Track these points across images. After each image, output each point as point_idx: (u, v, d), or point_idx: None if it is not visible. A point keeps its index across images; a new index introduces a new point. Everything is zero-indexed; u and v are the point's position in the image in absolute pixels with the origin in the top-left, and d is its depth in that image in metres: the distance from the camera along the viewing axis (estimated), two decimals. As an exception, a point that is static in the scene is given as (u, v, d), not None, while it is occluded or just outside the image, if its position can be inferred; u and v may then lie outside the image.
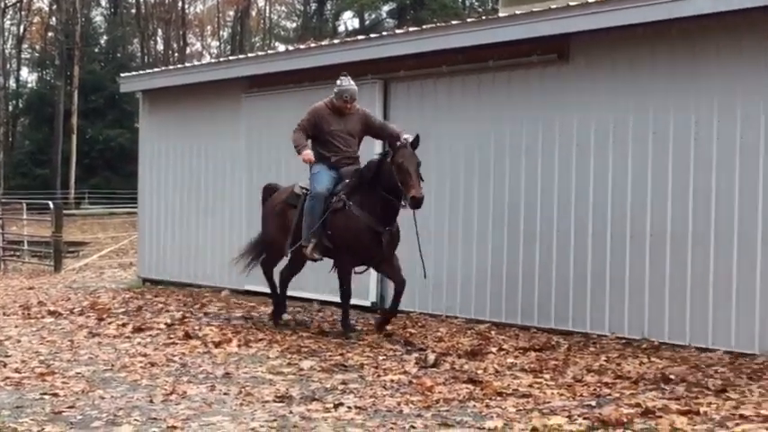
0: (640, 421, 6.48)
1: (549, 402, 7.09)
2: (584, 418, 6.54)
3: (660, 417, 6.57)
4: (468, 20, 11.19)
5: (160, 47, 66.88)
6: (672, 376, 7.89)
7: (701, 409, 6.77)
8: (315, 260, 10.51)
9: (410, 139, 9.82)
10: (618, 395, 7.33)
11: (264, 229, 11.32)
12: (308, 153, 10.39)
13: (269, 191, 11.47)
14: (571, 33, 10.18)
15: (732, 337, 9.02)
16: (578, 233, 10.26)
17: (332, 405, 7.07)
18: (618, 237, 9.92)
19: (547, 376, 8.05)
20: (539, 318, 10.39)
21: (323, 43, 14.32)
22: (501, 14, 12.87)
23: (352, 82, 10.40)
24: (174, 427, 6.50)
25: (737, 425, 6.31)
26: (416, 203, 9.57)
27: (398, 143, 9.81)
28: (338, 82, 10.40)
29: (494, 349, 9.28)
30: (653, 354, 9.03)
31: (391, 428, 6.40)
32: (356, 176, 10.21)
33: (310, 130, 10.50)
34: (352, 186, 10.17)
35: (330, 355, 9.09)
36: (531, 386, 7.65)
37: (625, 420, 6.44)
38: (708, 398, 7.18)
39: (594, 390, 7.55)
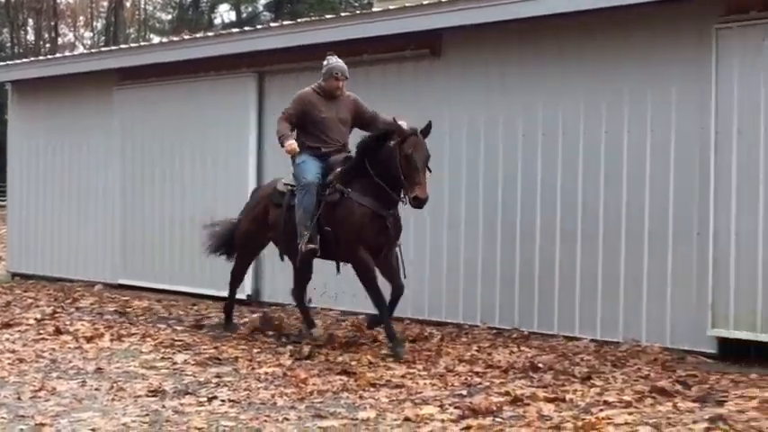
0: (509, 409, 6.64)
1: (421, 393, 7.21)
2: (456, 408, 6.67)
3: (528, 404, 6.75)
4: (342, 14, 11.23)
5: (31, 37, 65.19)
6: (540, 365, 8.10)
7: (568, 397, 6.98)
8: (312, 255, 9.22)
9: (414, 128, 8.81)
10: (488, 384, 7.50)
11: (238, 224, 10.29)
12: (293, 143, 9.24)
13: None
14: (443, 29, 10.33)
15: (598, 326, 9.30)
16: (451, 227, 10.44)
17: (205, 399, 7.05)
18: (489, 230, 10.12)
19: (420, 367, 8.18)
20: (412, 309, 10.50)
21: (197, 36, 14.23)
22: (375, 9, 12.98)
23: (340, 59, 9.42)
24: (43, 425, 6.38)
25: (601, 410, 6.51)
26: (419, 204, 8.58)
27: (407, 130, 8.71)
28: (325, 61, 9.41)
29: (368, 341, 9.38)
30: (523, 343, 9.26)
31: (265, 421, 6.42)
32: (349, 162, 9.17)
33: (297, 119, 9.41)
34: (345, 173, 9.10)
35: (204, 349, 9.06)
36: (404, 377, 7.76)
37: (495, 409, 6.59)
38: (574, 385, 7.40)
39: (466, 379, 7.70)
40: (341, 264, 9.42)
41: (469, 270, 10.25)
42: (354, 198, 8.94)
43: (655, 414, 6.44)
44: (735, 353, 8.45)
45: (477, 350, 8.93)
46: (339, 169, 9.15)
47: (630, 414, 6.40)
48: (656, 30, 9.13)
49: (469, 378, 7.74)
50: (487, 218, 10.17)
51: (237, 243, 10.25)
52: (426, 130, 8.75)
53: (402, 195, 8.78)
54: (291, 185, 9.45)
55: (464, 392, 7.20)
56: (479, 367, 8.15)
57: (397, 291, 9.00)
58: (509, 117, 10.02)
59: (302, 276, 9.94)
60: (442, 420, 6.35)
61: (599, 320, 9.30)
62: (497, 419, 6.37)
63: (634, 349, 8.80)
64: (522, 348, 8.95)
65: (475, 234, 10.25)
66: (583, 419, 6.24)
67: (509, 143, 10.03)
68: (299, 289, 9.99)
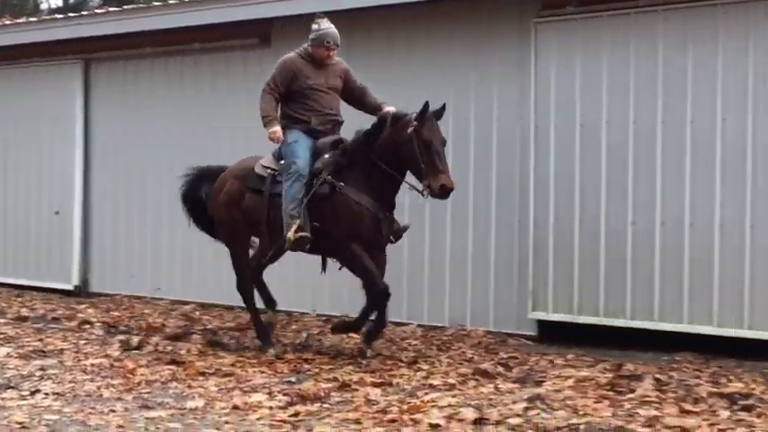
0: (337, 395, 6.74)
1: (250, 380, 7.24)
2: (284, 395, 6.73)
3: (356, 389, 6.87)
4: (171, 1, 11.13)
5: None
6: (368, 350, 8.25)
7: (394, 381, 7.14)
8: (304, 244, 8.12)
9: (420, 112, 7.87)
10: (317, 370, 7.60)
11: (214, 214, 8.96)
12: (278, 131, 8.22)
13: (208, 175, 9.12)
14: (272, 18, 10.36)
15: (424, 311, 9.53)
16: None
17: (28, 392, 6.89)
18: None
19: (249, 355, 8.23)
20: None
21: (19, 21, 13.78)
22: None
23: (331, 24, 8.40)
24: None
25: (426, 394, 6.69)
26: (446, 194, 7.77)
27: (423, 111, 7.77)
28: (314, 26, 8.37)
29: (198, 330, 9.35)
30: (352, 330, 9.39)
31: (90, 413, 6.33)
32: (345, 147, 8.20)
33: (283, 88, 8.30)
34: (337, 161, 8.12)
35: (28, 342, 8.84)
36: (233, 365, 7.79)
37: (323, 395, 6.68)
38: (401, 369, 7.57)
39: (295, 366, 7.79)
40: (327, 260, 8.57)
41: (300, 258, 10.31)
42: (349, 194, 8.01)
43: (477, 396, 6.65)
44: (553, 335, 8.81)
45: (306, 337, 9.02)
46: (328, 156, 8.16)
47: (454, 396, 6.59)
48: (481, 23, 9.41)
49: (299, 365, 7.83)
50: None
51: (226, 239, 8.97)
52: (440, 113, 7.98)
53: (422, 187, 7.84)
54: (273, 169, 8.36)
55: (293, 379, 7.27)
56: (309, 354, 8.25)
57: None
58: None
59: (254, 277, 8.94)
60: (271, 408, 6.40)
61: (425, 307, 9.54)
62: (325, 405, 6.46)
63: (459, 333, 9.08)
64: (352, 335, 9.07)
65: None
66: (408, 403, 6.40)
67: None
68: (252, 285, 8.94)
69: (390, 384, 7.05)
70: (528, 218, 8.99)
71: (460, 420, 5.91)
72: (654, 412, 6.05)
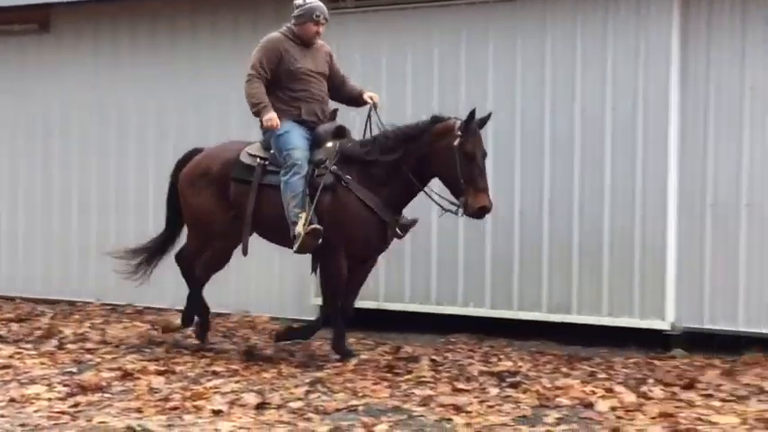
0: (119, 384, 6.71)
1: (28, 372, 7.11)
2: (64, 385, 6.64)
3: (138, 378, 6.86)
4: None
5: None
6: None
7: (178, 369, 7.18)
8: (317, 238, 7.26)
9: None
10: (99, 360, 7.53)
11: (188, 207, 7.97)
12: (274, 117, 7.38)
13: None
14: (52, 3, 10.12)
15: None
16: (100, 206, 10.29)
17: None
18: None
19: (28, 346, 8.07)
20: (23, 288, 10.29)
21: None
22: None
23: None
24: None
25: (209, 380, 6.77)
26: (482, 215, 7.15)
27: (470, 120, 7.04)
28: (297, 1, 7.51)
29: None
30: (137, 318, 9.38)
31: None
32: (366, 142, 7.47)
33: (269, 72, 7.46)
34: (346, 152, 7.40)
35: None
36: (11, 357, 7.61)
37: (104, 384, 6.63)
38: (184, 357, 7.62)
39: (77, 357, 7.69)
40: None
41: (82, 246, 10.17)
42: (355, 191, 7.29)
43: (260, 381, 6.78)
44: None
45: (90, 327, 8.93)
46: (331, 144, 7.46)
47: (237, 382, 6.70)
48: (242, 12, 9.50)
49: (80, 355, 7.74)
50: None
51: (196, 231, 8.01)
52: (485, 122, 7.24)
53: (459, 203, 7.15)
54: (263, 158, 7.55)
55: (74, 370, 7.18)
56: (91, 344, 8.17)
57: (349, 308, 7.70)
58: (121, 94, 10.01)
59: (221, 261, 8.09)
60: (49, 399, 6.30)
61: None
62: (106, 395, 6.42)
63: (244, 320, 9.18)
64: (136, 323, 9.05)
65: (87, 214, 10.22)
66: (191, 390, 6.46)
67: (122, 120, 10.04)
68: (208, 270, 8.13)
69: (174, 372, 7.08)
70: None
71: (242, 406, 6.02)
72: (429, 392, 6.36)
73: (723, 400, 6.14)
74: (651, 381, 6.72)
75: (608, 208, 8.18)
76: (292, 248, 7.34)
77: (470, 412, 5.82)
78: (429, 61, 8.78)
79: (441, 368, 7.18)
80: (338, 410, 5.93)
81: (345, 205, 7.28)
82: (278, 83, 7.49)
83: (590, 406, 5.99)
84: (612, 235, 8.16)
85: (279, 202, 7.33)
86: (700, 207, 7.96)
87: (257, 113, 7.47)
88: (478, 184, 7.01)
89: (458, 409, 5.92)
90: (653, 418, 5.68)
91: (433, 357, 7.52)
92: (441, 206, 7.38)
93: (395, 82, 8.86)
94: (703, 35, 7.96)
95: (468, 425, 5.56)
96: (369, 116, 7.60)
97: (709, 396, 6.26)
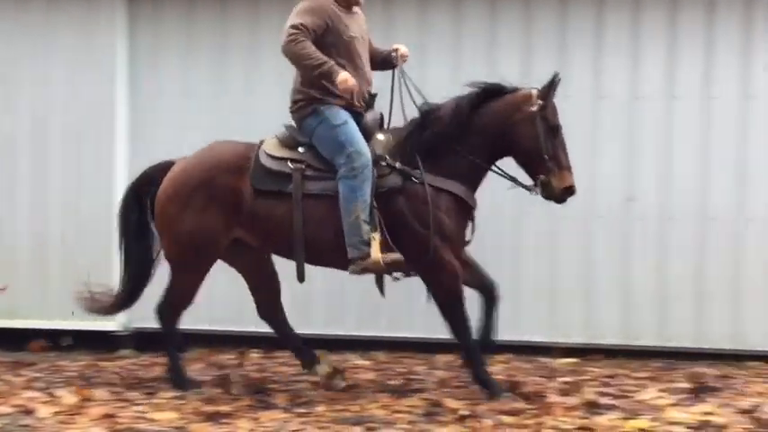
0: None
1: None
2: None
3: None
4: None
5: None
6: None
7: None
8: (389, 271, 6.06)
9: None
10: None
11: (176, 235, 6.24)
12: (349, 77, 5.93)
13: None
14: None
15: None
16: None
17: None
18: None
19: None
20: None
21: None
22: None
23: None
24: None
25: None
26: (566, 197, 6.10)
27: (553, 87, 6.05)
28: None
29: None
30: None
31: None
32: (410, 126, 6.18)
33: (313, 36, 5.99)
34: (406, 142, 6.13)
35: None
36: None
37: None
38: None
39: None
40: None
41: None
42: (438, 184, 6.05)
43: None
44: None
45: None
46: (381, 137, 6.16)
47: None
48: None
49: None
50: None
51: (178, 253, 6.29)
52: (556, 84, 6.14)
53: (533, 185, 6.11)
54: (296, 160, 6.11)
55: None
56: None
57: (494, 295, 6.35)
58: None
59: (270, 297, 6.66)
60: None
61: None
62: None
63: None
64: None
65: None
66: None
67: None
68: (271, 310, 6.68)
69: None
70: None
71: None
72: None
73: (165, 398, 6.21)
74: (98, 381, 6.73)
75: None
76: (348, 270, 6.04)
77: None
78: None
79: None
80: None
81: (434, 204, 6.02)
82: (322, 50, 6.04)
83: (31, 412, 5.87)
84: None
85: (323, 215, 6.05)
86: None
87: (325, 74, 5.97)
88: (563, 161, 6.07)
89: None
90: (94, 419, 5.69)
91: None
92: (521, 184, 6.22)
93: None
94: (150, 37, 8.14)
95: None
96: (401, 78, 6.28)
97: (152, 394, 6.35)
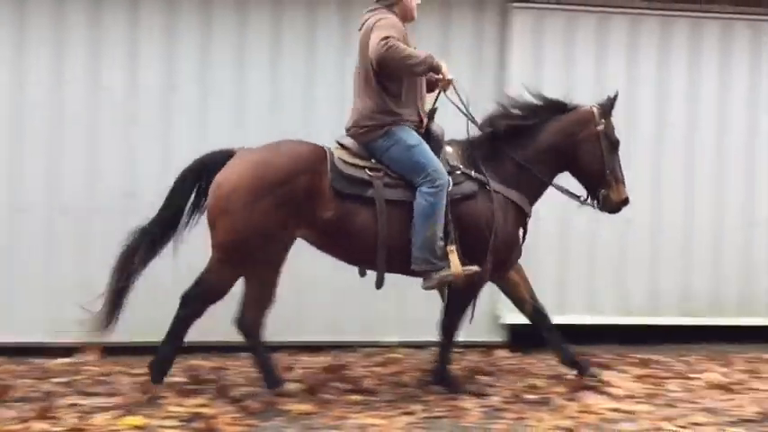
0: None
1: None
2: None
3: None
4: None
5: None
6: None
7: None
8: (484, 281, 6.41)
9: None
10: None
11: (236, 229, 5.96)
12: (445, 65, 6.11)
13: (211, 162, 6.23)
14: None
15: None
16: None
17: None
18: None
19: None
20: None
21: None
22: None
23: None
24: None
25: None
26: (621, 209, 6.59)
27: (612, 104, 6.56)
28: None
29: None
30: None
31: None
32: (477, 139, 6.47)
33: None
34: (471, 152, 6.41)
35: None
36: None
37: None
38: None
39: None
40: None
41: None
42: (504, 193, 6.34)
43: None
44: None
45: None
46: (450, 149, 6.36)
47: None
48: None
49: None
50: None
51: (234, 244, 5.98)
52: (613, 102, 6.59)
53: (595, 198, 6.55)
54: (374, 168, 6.15)
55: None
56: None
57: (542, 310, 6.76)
58: None
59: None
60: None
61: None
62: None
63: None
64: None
65: None
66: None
67: None
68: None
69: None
70: None
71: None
72: None
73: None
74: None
75: None
76: (422, 286, 6.14)
77: None
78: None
79: None
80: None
81: (494, 208, 6.24)
82: (390, 75, 6.07)
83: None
84: None
85: (399, 222, 6.10)
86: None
87: (431, 68, 6.04)
88: (619, 175, 6.51)
89: None
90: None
91: None
92: (578, 199, 6.59)
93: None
94: None
95: None
96: (457, 97, 6.32)
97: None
